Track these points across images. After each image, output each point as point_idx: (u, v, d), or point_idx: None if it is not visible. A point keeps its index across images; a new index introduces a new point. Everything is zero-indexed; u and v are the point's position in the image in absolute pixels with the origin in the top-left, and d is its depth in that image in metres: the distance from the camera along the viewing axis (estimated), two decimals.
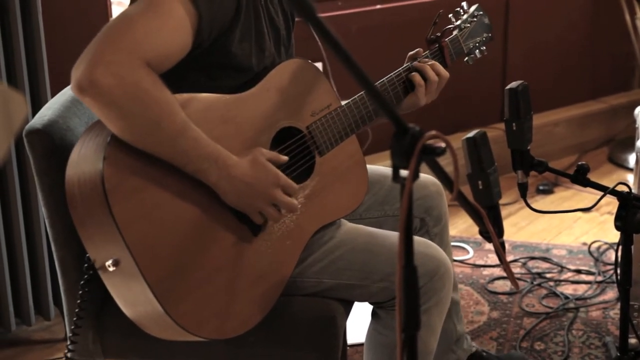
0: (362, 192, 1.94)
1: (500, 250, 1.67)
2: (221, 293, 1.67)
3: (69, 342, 1.79)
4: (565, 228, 3.42)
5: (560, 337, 2.64)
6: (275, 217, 1.73)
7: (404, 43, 2.37)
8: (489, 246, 3.18)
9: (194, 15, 1.63)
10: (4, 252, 2.54)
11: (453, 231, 3.34)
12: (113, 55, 1.53)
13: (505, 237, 1.79)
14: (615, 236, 2.49)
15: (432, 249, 1.88)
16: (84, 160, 1.62)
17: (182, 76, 1.70)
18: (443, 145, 1.22)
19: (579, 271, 3.04)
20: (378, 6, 3.63)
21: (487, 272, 3.07)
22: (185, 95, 1.66)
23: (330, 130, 1.87)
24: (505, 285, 2.97)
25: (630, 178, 3.84)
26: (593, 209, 2.10)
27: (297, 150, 1.83)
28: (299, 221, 1.80)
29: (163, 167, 1.61)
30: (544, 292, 2.91)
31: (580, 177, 1.96)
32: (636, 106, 3.11)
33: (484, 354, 2.34)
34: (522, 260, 3.12)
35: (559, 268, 3.07)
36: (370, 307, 1.92)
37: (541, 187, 3.76)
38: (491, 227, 1.59)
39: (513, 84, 1.92)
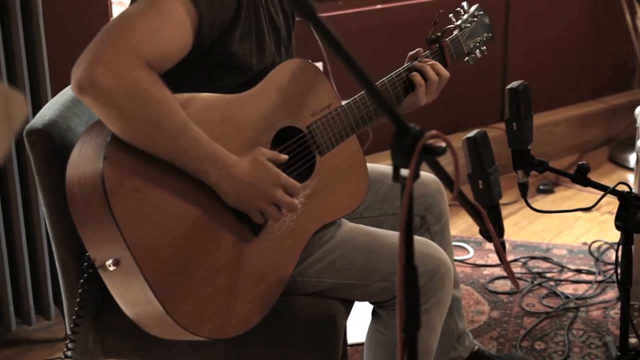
0: (363, 192, 1.94)
1: (500, 249, 1.67)
2: (221, 293, 1.67)
3: (68, 341, 1.79)
4: (565, 228, 3.42)
5: (561, 336, 2.64)
6: (275, 216, 1.73)
7: (404, 43, 2.38)
8: (490, 246, 3.19)
9: (195, 15, 1.63)
10: (4, 252, 2.54)
11: (453, 231, 3.34)
12: (113, 55, 1.53)
13: (505, 237, 1.79)
14: (615, 236, 2.49)
15: (433, 248, 1.88)
16: (84, 160, 1.62)
17: (182, 76, 1.70)
18: (443, 144, 1.22)
19: (579, 271, 3.04)
20: (378, 6, 3.63)
21: (487, 271, 3.07)
22: (186, 95, 1.66)
23: (331, 130, 1.87)
24: (505, 285, 2.97)
25: (630, 178, 3.84)
26: (593, 208, 2.11)
27: (298, 150, 1.83)
28: (300, 221, 1.80)
29: (163, 167, 1.61)
30: (545, 291, 2.91)
31: (581, 177, 1.96)
32: (636, 106, 3.12)
33: (486, 353, 2.35)
34: (523, 260, 3.12)
35: (560, 268, 3.07)
36: (371, 306, 1.92)
37: (542, 187, 3.76)
38: (491, 227, 1.59)
39: (513, 84, 1.92)
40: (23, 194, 2.56)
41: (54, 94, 2.00)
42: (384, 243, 1.86)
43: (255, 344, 1.79)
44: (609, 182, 2.03)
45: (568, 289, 2.93)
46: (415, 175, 1.21)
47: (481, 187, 1.73)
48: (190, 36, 1.64)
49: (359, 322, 2.48)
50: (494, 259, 3.13)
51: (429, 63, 1.98)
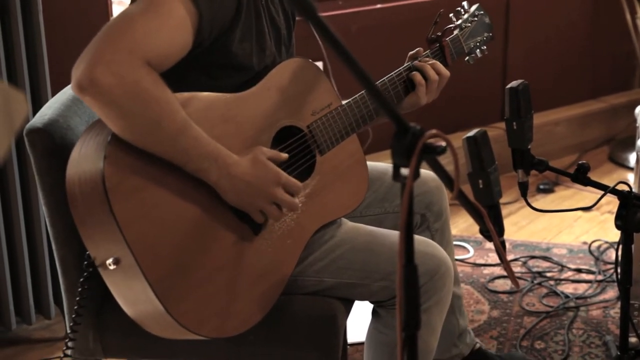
0: (363, 191, 1.94)
1: (500, 249, 1.67)
2: (222, 292, 1.67)
3: (68, 340, 1.79)
4: (565, 227, 3.42)
5: (561, 336, 2.64)
6: (276, 215, 1.72)
7: (404, 43, 2.37)
8: (490, 245, 3.19)
9: (195, 14, 1.63)
10: (4, 251, 2.54)
11: (454, 230, 3.34)
12: (113, 55, 1.53)
13: (505, 236, 1.79)
14: (615, 235, 2.49)
15: (433, 247, 1.88)
16: (84, 159, 1.62)
17: (182, 75, 1.70)
18: (444, 144, 1.22)
19: (579, 270, 3.04)
20: (378, 6, 3.63)
21: (487, 271, 3.07)
22: (186, 94, 1.66)
23: (331, 129, 1.87)
24: (505, 284, 2.97)
25: (630, 177, 3.84)
26: (593, 208, 2.11)
27: (298, 149, 1.83)
28: (300, 220, 1.80)
29: (164, 166, 1.61)
30: (545, 291, 2.91)
31: (581, 176, 1.96)
32: (636, 105, 3.11)
33: (487, 352, 2.35)
34: (523, 259, 3.12)
35: (560, 267, 3.07)
36: (371, 306, 1.92)
37: (542, 186, 3.76)
38: (492, 226, 1.59)
39: (514, 83, 1.92)
40: (23, 193, 2.56)
41: (54, 93, 2.00)
42: (384, 242, 1.86)
43: (256, 343, 1.79)
44: (609, 181, 2.03)
45: (568, 289, 2.93)
46: (416, 174, 1.21)
47: (481, 186, 1.73)
48: (190, 35, 1.64)
49: (359, 322, 2.48)
50: (494, 258, 3.13)
51: (430, 62, 1.98)
